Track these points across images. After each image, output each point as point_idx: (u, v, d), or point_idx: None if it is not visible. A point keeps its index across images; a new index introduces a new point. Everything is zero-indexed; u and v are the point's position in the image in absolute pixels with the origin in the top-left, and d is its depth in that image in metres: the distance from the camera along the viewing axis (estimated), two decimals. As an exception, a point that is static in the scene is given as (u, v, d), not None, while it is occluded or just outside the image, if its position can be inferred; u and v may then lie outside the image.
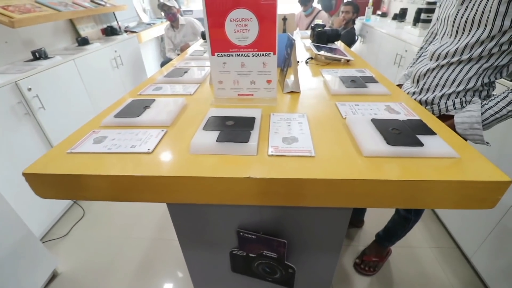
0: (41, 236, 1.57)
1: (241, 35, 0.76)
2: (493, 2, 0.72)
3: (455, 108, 0.85)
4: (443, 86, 0.86)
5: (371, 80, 0.95)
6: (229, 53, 0.79)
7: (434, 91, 0.89)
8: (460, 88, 0.83)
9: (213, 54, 0.80)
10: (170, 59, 2.84)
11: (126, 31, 2.66)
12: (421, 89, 0.92)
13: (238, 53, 0.79)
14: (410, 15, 2.43)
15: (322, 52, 1.24)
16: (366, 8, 2.92)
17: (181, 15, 2.83)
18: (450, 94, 0.85)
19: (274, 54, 0.78)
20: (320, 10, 2.90)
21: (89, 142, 0.64)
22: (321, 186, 0.51)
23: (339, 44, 1.60)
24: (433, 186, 0.50)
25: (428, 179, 0.49)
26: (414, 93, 0.95)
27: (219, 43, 0.78)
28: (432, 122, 0.68)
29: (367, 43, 2.89)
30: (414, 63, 1.11)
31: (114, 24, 2.64)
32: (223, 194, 0.54)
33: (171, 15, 2.64)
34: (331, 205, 0.54)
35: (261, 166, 0.54)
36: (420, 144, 0.56)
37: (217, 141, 0.59)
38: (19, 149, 1.41)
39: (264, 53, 0.78)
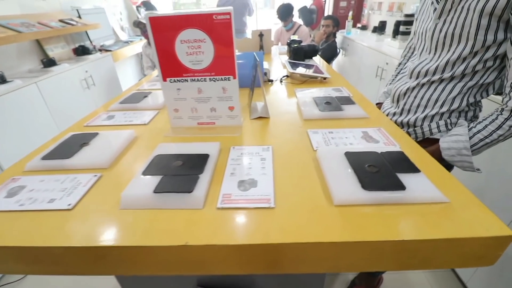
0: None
1: (195, 58, 0.66)
2: (473, 15, 0.65)
3: (439, 131, 0.76)
4: (425, 107, 0.78)
5: (348, 101, 0.86)
6: (183, 78, 0.69)
7: (415, 112, 0.81)
8: (444, 109, 0.75)
9: (164, 80, 0.70)
10: (148, 77, 2.73)
11: (100, 50, 2.55)
12: (402, 109, 0.84)
13: (193, 78, 0.69)
14: (390, 28, 2.42)
15: (297, 70, 1.16)
16: (346, 21, 2.93)
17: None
18: (433, 116, 0.77)
19: (234, 78, 0.68)
20: (300, 25, 2.89)
21: (0, 195, 0.52)
22: (280, 252, 0.40)
23: (318, 61, 1.53)
24: (419, 247, 0.39)
25: (412, 238, 0.39)
26: (394, 114, 0.87)
27: (170, 67, 0.68)
28: (416, 153, 0.59)
29: (349, 56, 2.88)
30: (393, 80, 1.04)
31: (88, 43, 2.53)
32: (156, 265, 0.42)
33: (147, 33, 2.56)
34: (294, 272, 0.43)
35: (206, 225, 0.43)
36: (402, 187, 0.46)
37: (154, 191, 0.47)
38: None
39: (222, 77, 0.68)
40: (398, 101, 0.87)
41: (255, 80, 0.78)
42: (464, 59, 0.71)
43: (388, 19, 2.51)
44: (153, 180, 0.50)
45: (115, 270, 0.43)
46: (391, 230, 0.40)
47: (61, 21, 2.12)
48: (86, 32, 2.48)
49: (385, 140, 0.65)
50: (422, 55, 0.82)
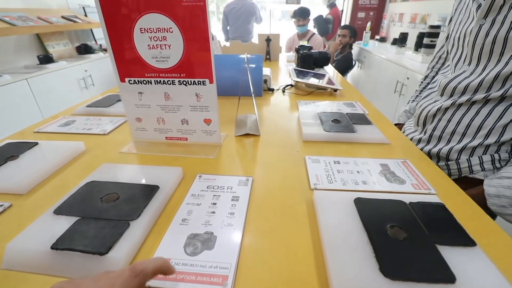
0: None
1: (159, 53, 0.50)
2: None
3: (483, 170, 0.57)
4: (464, 135, 0.59)
5: (363, 119, 0.68)
6: (146, 79, 0.53)
7: (449, 141, 0.61)
8: (491, 139, 0.55)
9: (122, 80, 0.54)
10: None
11: (105, 50, 2.47)
12: (430, 136, 0.65)
13: (158, 79, 0.53)
14: (411, 40, 2.22)
15: (301, 79, 0.98)
16: (364, 32, 2.75)
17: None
18: (475, 148, 0.57)
19: (211, 82, 0.52)
20: (314, 33, 2.73)
21: None
22: None
23: (331, 71, 1.36)
24: None
25: None
26: (419, 140, 0.67)
27: (129, 64, 0.52)
28: (460, 205, 0.40)
29: (365, 69, 2.68)
30: (417, 96, 0.85)
31: (93, 42, 2.46)
32: None
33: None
34: None
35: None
36: (450, 277, 0.27)
37: (52, 247, 0.30)
38: None
39: (195, 80, 0.52)
40: (424, 124, 0.67)
41: (243, 87, 0.61)
42: (523, 73, 0.51)
43: (410, 31, 2.31)
44: (62, 225, 0.34)
45: None
46: None
47: (63, 17, 2.05)
48: (92, 30, 2.41)
49: (414, 180, 0.46)
50: (459, 66, 0.64)
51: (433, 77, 0.81)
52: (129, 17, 0.48)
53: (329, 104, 0.83)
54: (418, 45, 1.96)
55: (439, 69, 0.80)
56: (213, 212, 0.38)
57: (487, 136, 0.56)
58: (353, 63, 2.74)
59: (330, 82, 1.01)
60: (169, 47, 0.49)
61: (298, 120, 0.72)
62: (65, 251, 0.30)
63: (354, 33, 2.64)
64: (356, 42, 2.79)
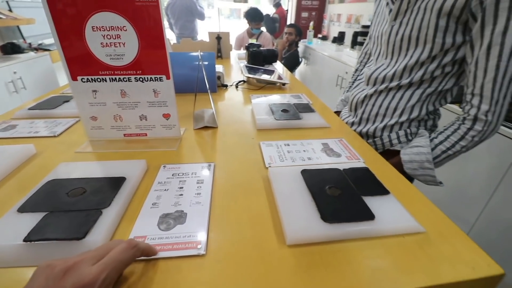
0: None
1: (113, 51, 0.51)
2: (431, 16, 0.60)
3: (400, 142, 0.71)
4: (384, 116, 0.72)
5: (307, 108, 0.77)
6: (100, 77, 0.54)
7: (374, 121, 0.74)
8: (403, 118, 0.69)
9: (74, 79, 0.54)
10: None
11: (36, 49, 2.22)
12: (360, 119, 0.77)
13: (113, 76, 0.54)
14: (348, 38, 2.48)
15: (253, 75, 1.06)
16: (308, 31, 2.95)
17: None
18: (392, 126, 0.71)
19: (168, 78, 0.55)
20: (262, 31, 2.84)
21: None
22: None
23: (280, 67, 1.46)
24: (397, 304, 0.29)
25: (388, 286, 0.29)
26: (353, 123, 0.80)
27: (81, 62, 0.52)
28: (381, 169, 0.51)
29: (310, 65, 2.89)
30: (350, 87, 0.98)
31: (20, 41, 2.19)
32: None
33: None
34: None
35: None
36: (370, 216, 0.36)
37: (24, 240, 0.31)
38: None
39: (152, 76, 0.54)
40: (356, 109, 0.80)
41: (198, 83, 0.65)
42: (422, 64, 0.66)
43: (346, 30, 2.57)
44: (30, 221, 0.34)
45: None
46: (356, 279, 0.30)
47: (-19, 12, 1.79)
48: (18, 27, 2.15)
49: (348, 153, 0.56)
50: (379, 60, 0.77)
51: (362, 70, 0.95)
52: (80, 15, 0.48)
53: (278, 97, 0.92)
54: (354, 43, 2.20)
55: (365, 63, 0.95)
56: (181, 195, 0.42)
57: (400, 115, 0.70)
58: (300, 60, 2.93)
59: (279, 77, 1.10)
60: (124, 44, 0.51)
61: (251, 112, 0.78)
62: (39, 242, 0.31)
63: (300, 31, 2.82)
64: (302, 40, 2.98)
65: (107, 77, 0.54)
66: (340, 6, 2.88)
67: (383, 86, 0.71)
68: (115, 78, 0.54)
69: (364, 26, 2.07)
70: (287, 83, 1.04)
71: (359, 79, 0.87)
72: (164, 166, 0.50)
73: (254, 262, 0.32)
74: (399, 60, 0.69)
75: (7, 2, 2.10)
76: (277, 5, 3.53)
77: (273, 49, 1.39)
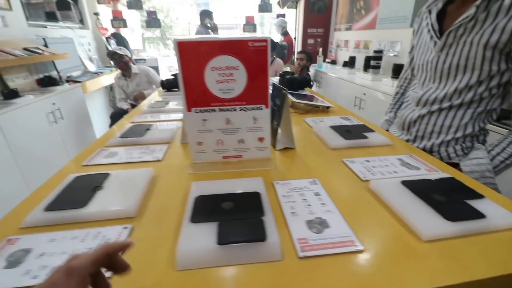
0: None
1: (225, 86, 0.61)
2: (478, 49, 0.72)
3: (457, 156, 0.79)
4: (439, 133, 0.82)
5: (365, 129, 0.87)
6: (211, 108, 0.63)
7: (430, 138, 0.83)
8: (459, 134, 0.79)
9: (189, 110, 0.63)
10: (121, 109, 2.56)
11: (68, 81, 2.35)
12: (415, 136, 0.87)
13: (222, 107, 0.63)
14: (359, 62, 2.66)
15: (299, 100, 1.16)
16: (317, 56, 3.15)
17: (133, 64, 2.66)
18: (449, 141, 0.80)
19: (267, 107, 0.64)
20: (275, 58, 3.03)
21: (0, 264, 0.38)
22: (392, 306, 0.34)
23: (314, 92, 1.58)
24: (535, 282, 0.36)
25: (528, 273, 0.36)
26: (408, 140, 0.89)
27: (197, 97, 0.62)
28: (462, 178, 0.59)
29: (322, 88, 3.05)
30: (393, 108, 1.09)
31: (54, 73, 2.33)
32: None
33: (122, 64, 2.45)
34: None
35: (298, 281, 0.35)
36: (481, 215, 0.44)
37: (218, 243, 0.38)
38: None
39: (254, 106, 0.64)
40: (409, 128, 0.90)
41: (280, 110, 0.74)
42: (471, 87, 0.76)
43: (356, 55, 2.76)
44: (207, 229, 0.42)
45: None
46: (494, 263, 0.37)
47: (25, 49, 1.93)
48: (53, 62, 2.29)
49: (425, 166, 0.64)
50: (425, 84, 0.88)
51: (402, 93, 1.07)
52: (204, 58, 0.58)
53: (330, 119, 1.01)
54: (366, 67, 2.36)
55: (406, 87, 1.06)
56: (310, 205, 0.50)
57: (455, 132, 0.79)
58: (311, 83, 3.09)
59: (319, 101, 1.21)
60: (234, 81, 0.61)
61: (315, 134, 0.87)
62: (230, 245, 0.38)
63: (310, 57, 3.01)
64: (312, 65, 3.17)
65: (217, 108, 0.63)
66: (347, 33, 3.10)
67: (436, 106, 0.81)
68: (223, 109, 0.63)
69: (376, 51, 2.24)
70: (331, 106, 1.14)
71: (406, 101, 0.98)
72: (277, 183, 0.58)
73: (403, 254, 0.39)
74: (448, 84, 0.79)
75: (44, 39, 2.26)
76: (285, 34, 3.77)
77: (304, 76, 1.52)
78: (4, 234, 0.44)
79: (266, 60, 0.60)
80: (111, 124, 2.60)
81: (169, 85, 1.49)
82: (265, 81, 0.61)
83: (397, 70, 2.02)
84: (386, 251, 0.40)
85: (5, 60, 1.66)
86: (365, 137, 0.79)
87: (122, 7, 3.94)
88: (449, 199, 0.48)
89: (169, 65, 5.75)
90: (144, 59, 3.72)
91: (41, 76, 2.18)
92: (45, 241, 0.42)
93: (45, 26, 2.56)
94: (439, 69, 0.80)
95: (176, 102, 1.26)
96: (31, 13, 2.34)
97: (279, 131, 0.77)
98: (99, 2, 3.48)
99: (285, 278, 0.36)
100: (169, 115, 1.08)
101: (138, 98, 2.57)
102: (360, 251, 0.39)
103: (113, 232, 0.43)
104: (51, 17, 2.61)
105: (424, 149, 0.84)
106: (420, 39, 0.91)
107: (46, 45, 2.25)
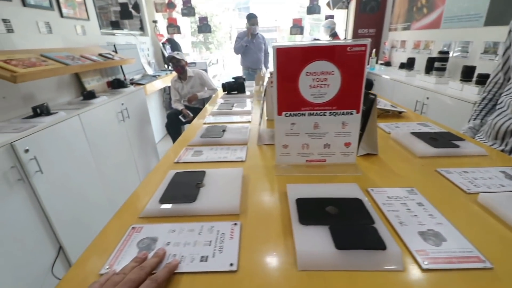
0: None
1: (318, 91, 0.62)
2: None
3: None
4: (545, 144, 0.73)
5: (453, 137, 0.81)
6: (301, 112, 0.64)
7: (532, 149, 0.75)
8: None
9: (279, 114, 0.64)
10: (176, 110, 2.73)
11: (132, 84, 2.58)
12: (512, 147, 0.78)
13: (311, 112, 0.64)
14: (419, 64, 2.48)
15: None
16: (370, 58, 3.02)
17: (189, 67, 2.82)
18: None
19: (358, 112, 0.63)
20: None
21: (132, 249, 0.43)
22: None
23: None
24: None
25: None
26: (503, 151, 0.81)
27: (289, 101, 0.63)
28: None
29: (375, 90, 2.91)
30: (479, 114, 1.00)
31: (120, 76, 2.57)
32: None
33: (179, 68, 2.61)
34: None
35: (428, 295, 0.34)
36: None
37: (337, 248, 0.39)
38: (5, 223, 1.14)
39: (345, 111, 0.63)
40: (504, 138, 0.81)
41: (369, 113, 0.72)
42: None
43: (415, 56, 2.58)
44: (320, 232, 0.42)
45: None
46: None
47: (100, 55, 2.16)
48: (121, 66, 2.53)
49: (538, 181, 0.57)
50: (525, 89, 0.79)
51: (491, 99, 0.97)
52: (300, 64, 0.59)
53: (407, 125, 0.96)
54: (429, 69, 2.20)
55: (496, 92, 0.96)
56: (416, 216, 0.48)
57: None
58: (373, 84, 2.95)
59: (388, 105, 1.15)
60: (328, 86, 0.61)
61: (394, 140, 0.84)
62: (349, 251, 0.38)
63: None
64: (363, 67, 3.04)
65: (306, 112, 0.64)
66: (405, 33, 2.92)
67: (542, 114, 0.73)
68: (313, 113, 0.64)
69: (441, 52, 2.07)
70: (404, 112, 1.08)
71: (499, 108, 0.89)
72: (372, 190, 0.56)
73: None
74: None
75: (114, 45, 2.51)
76: (334, 35, 3.68)
77: (368, 78, 1.46)
78: (127, 223, 0.50)
79: (363, 65, 0.59)
80: (168, 123, 2.79)
81: (229, 88, 1.55)
82: (360, 86, 0.61)
83: (467, 73, 1.85)
84: (520, 271, 0.36)
85: (85, 65, 1.88)
86: (456, 146, 0.73)
87: (176, 14, 4.21)
88: None
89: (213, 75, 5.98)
90: (195, 63, 3.91)
91: (110, 79, 2.43)
92: (167, 231, 0.47)
93: (113, 34, 2.84)
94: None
95: (240, 104, 1.31)
96: (102, 22, 2.61)
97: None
98: (157, 11, 3.76)
99: (412, 290, 0.35)
100: (240, 117, 1.12)
101: (191, 99, 2.72)
102: (489, 269, 0.37)
103: (225, 228, 0.46)
104: (115, 25, 2.89)
105: (524, 162, 0.76)
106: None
107: (115, 51, 2.50)
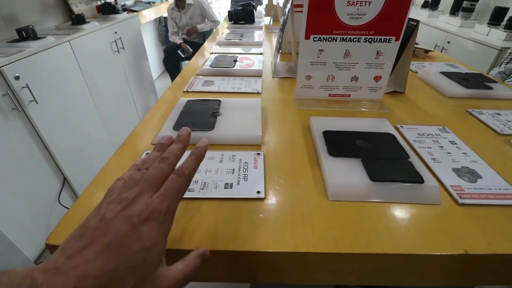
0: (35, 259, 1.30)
1: (357, 10, 0.52)
2: None
3: None
4: None
5: (485, 78, 0.74)
6: (332, 36, 0.56)
7: None
8: None
9: (307, 38, 0.56)
10: (174, 44, 2.52)
11: (124, 10, 2.31)
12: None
13: (344, 36, 0.56)
14: (444, 4, 2.23)
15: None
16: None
17: (187, -6, 2.50)
18: None
19: (397, 40, 0.55)
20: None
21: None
22: None
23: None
24: None
25: None
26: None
27: (319, 22, 0.54)
28: None
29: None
30: (511, 59, 0.92)
31: (111, 0, 2.28)
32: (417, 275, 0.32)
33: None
34: None
35: (463, 228, 0.33)
36: None
37: (372, 179, 0.36)
38: (5, 153, 1.11)
39: (383, 37, 0.55)
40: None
41: (406, 44, 0.64)
42: None
43: (442, -7, 2.31)
44: (352, 164, 0.39)
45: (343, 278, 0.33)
46: None
47: (87, -29, 1.87)
48: (111, -13, 2.22)
49: None
50: None
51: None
52: (340, -27, 0.49)
53: (435, 65, 0.88)
54: (455, 9, 1.98)
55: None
56: (449, 153, 0.45)
57: None
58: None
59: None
60: (369, 4, 0.52)
61: (421, 80, 0.77)
62: (385, 183, 0.36)
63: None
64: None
65: (338, 37, 0.56)
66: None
67: None
68: (345, 38, 0.56)
69: (474, -11, 1.84)
70: (431, 51, 0.99)
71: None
72: (401, 126, 0.53)
73: None
74: None
75: (100, -39, 2.16)
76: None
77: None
78: (140, 148, 0.46)
79: (412, -22, 0.49)
80: (165, 59, 2.60)
81: (237, 17, 1.39)
82: (406, 7, 0.52)
83: (498, 15, 1.67)
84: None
85: (71, -19, 1.63)
86: (490, 88, 0.68)
87: None
88: None
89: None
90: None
91: (99, 2, 2.15)
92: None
93: None
94: None
95: (249, 35, 1.18)
96: None
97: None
98: None
99: (447, 222, 0.33)
100: (250, 48, 1.01)
101: (191, 32, 2.48)
102: (529, 206, 0.35)
103: (248, 156, 0.43)
104: None
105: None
106: None
107: (102, -32, 2.16)
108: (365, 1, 0.51)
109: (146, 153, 0.45)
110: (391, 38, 0.55)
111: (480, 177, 0.40)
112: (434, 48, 1.92)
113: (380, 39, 0.55)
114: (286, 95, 0.67)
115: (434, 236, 0.31)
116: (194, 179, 0.39)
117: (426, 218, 0.34)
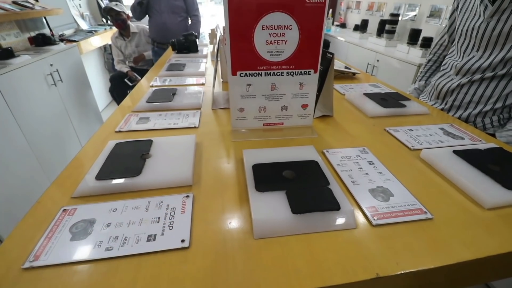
0: None
1: (275, 48, 0.57)
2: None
3: (493, 126, 0.79)
4: (478, 103, 0.80)
5: (401, 97, 0.84)
6: (257, 72, 0.59)
7: (466, 108, 0.82)
8: (498, 105, 0.77)
9: (233, 74, 0.59)
10: (121, 72, 2.43)
11: (62, 40, 2.18)
12: (451, 106, 0.85)
13: (268, 71, 0.59)
14: (372, 26, 2.53)
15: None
16: (326, 18, 2.98)
17: (131, 22, 2.46)
18: (487, 112, 0.79)
19: (315, 72, 0.60)
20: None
21: (64, 236, 0.37)
22: (468, 269, 0.35)
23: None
24: None
25: None
26: (442, 110, 0.87)
27: (243, 59, 0.57)
28: (503, 147, 0.59)
29: (330, 53, 2.94)
30: (424, 76, 1.06)
31: (46, 31, 2.15)
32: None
33: (120, 22, 2.26)
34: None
35: (375, 249, 0.35)
36: (543, 185, 0.44)
37: (293, 212, 0.38)
38: None
39: (303, 71, 0.60)
40: (444, 97, 0.87)
41: (326, 73, 0.70)
42: (519, 57, 0.73)
43: (369, 18, 2.61)
44: (276, 198, 0.41)
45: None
46: None
47: (15, 3, 1.75)
48: (45, 18, 2.10)
49: (468, 136, 0.63)
50: (467, 52, 0.84)
51: (435, 60, 1.02)
52: (255, 15, 0.53)
53: (359, 86, 0.98)
54: (380, 31, 2.25)
55: (440, 54, 1.02)
56: (367, 174, 0.49)
57: (495, 102, 0.78)
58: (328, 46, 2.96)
59: (342, 67, 1.16)
60: (285, 42, 0.56)
61: (348, 101, 0.85)
62: (304, 215, 0.38)
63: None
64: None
65: (263, 72, 0.59)
66: (359, -7, 2.91)
67: (478, 76, 0.78)
68: (270, 73, 0.59)
69: (393, 15, 2.12)
70: (357, 73, 1.10)
71: (442, 69, 0.94)
72: (327, 151, 0.56)
73: (466, 222, 0.39)
74: (494, 52, 0.76)
75: (31, -9, 2.04)
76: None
77: (325, 39, 1.44)
78: (57, 205, 0.43)
79: (322, 19, 0.55)
80: (111, 88, 2.49)
81: (180, 46, 1.40)
82: (318, 43, 0.57)
83: (414, 36, 1.94)
84: (452, 218, 0.40)
85: (-6, 14, 1.51)
86: (403, 106, 0.77)
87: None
88: (503, 168, 0.48)
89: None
90: (139, 18, 3.44)
91: (33, 34, 2.01)
92: (106, 211, 0.41)
93: (29, -24, 2.30)
94: (487, 36, 0.76)
95: (192, 65, 1.19)
96: (13, -41, 2.07)
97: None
98: (85, -51, 3.10)
99: (362, 245, 0.36)
100: (191, 79, 1.02)
101: (138, 60, 2.43)
102: (430, 219, 0.40)
103: (175, 201, 0.42)
104: (34, -35, 2.33)
105: (459, 119, 0.83)
106: (466, 2, 0.85)
107: (35, -2, 2.04)
108: (282, 40, 0.56)
109: (63, 210, 0.41)
110: (310, 71, 0.60)
111: (392, 195, 0.44)
112: (367, 66, 2.14)
113: (301, 72, 0.60)
114: (224, 127, 0.68)
115: (350, 263, 0.33)
116: (114, 234, 0.36)
117: (343, 245, 0.36)
